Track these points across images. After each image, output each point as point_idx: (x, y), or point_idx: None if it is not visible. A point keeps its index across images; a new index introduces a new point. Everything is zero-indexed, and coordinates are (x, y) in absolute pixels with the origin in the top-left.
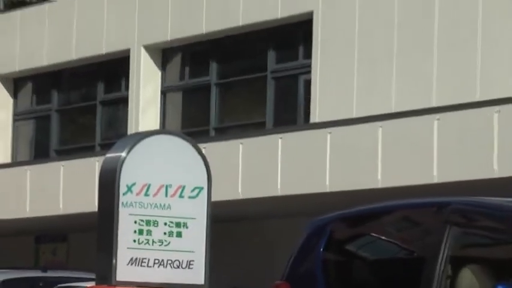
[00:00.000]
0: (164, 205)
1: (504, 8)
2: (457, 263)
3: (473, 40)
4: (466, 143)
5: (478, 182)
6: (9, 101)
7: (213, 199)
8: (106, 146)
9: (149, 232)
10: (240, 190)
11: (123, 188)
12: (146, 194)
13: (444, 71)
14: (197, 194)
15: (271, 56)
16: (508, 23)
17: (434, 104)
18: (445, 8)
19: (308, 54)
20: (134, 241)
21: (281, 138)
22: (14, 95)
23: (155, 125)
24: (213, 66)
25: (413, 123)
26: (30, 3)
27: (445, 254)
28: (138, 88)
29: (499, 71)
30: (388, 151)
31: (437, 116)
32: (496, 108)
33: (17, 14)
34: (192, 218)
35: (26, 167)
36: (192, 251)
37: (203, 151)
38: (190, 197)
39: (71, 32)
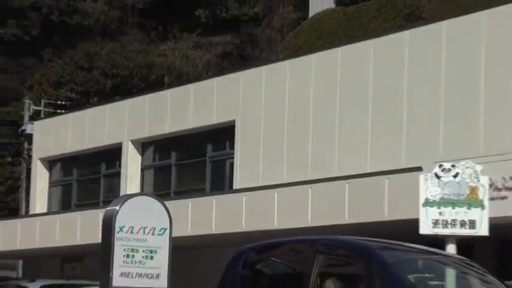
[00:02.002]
0: (142, 239)
1: None
2: (323, 277)
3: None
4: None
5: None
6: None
7: (173, 235)
8: (106, 203)
9: (133, 256)
10: (189, 229)
11: (117, 229)
12: (131, 232)
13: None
14: (163, 232)
15: (209, 147)
16: None
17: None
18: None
19: (232, 147)
20: (123, 262)
21: (215, 198)
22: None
23: (137, 189)
24: (173, 154)
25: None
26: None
27: (316, 271)
28: (126, 166)
29: None
30: (282, 206)
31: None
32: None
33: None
34: (160, 247)
35: (55, 217)
36: (159, 268)
37: (167, 206)
38: (158, 234)
39: (84, 129)
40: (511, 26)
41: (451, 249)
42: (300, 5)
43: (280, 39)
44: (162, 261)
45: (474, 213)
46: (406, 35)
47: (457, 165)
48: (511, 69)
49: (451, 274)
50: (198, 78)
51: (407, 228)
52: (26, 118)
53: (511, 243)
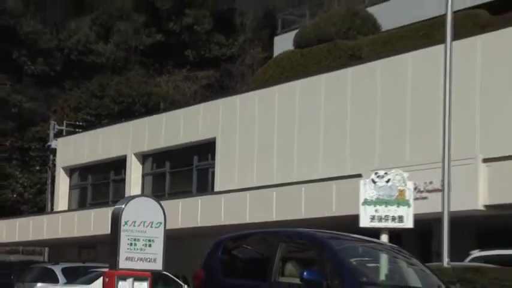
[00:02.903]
0: (143, 231)
1: None
2: (285, 260)
3: None
4: None
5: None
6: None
7: (166, 228)
8: (114, 202)
9: (135, 244)
10: (179, 223)
11: (122, 223)
12: (134, 226)
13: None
14: (159, 226)
15: (195, 159)
16: None
17: None
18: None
19: (213, 158)
20: (128, 249)
21: (200, 199)
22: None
23: (138, 192)
24: (167, 163)
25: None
26: None
27: (279, 256)
28: (130, 174)
29: None
30: (252, 204)
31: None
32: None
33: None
34: (156, 237)
35: (74, 213)
36: (156, 253)
37: (162, 205)
38: (155, 227)
39: (97, 144)
40: (434, 64)
41: (384, 238)
42: (267, 47)
43: (251, 74)
44: (158, 249)
45: (402, 211)
46: (349, 71)
47: (388, 172)
48: (431, 98)
49: (384, 258)
50: (186, 104)
51: (351, 222)
52: (51, 136)
53: (430, 233)
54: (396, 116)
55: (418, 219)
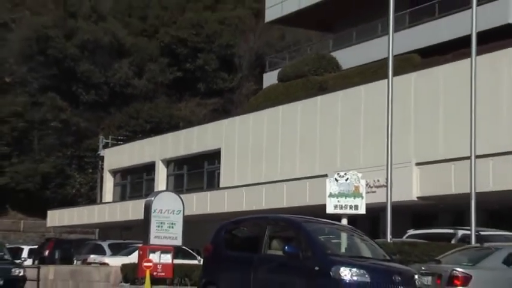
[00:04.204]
0: (167, 217)
1: None
2: (271, 238)
3: None
4: None
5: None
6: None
7: (184, 214)
8: (146, 196)
9: (161, 226)
10: (194, 211)
11: (152, 210)
12: (161, 213)
13: None
14: (179, 213)
15: (206, 163)
16: None
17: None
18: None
19: (219, 163)
20: (156, 230)
21: (209, 193)
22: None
23: (164, 188)
24: (185, 167)
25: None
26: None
27: (267, 235)
28: (158, 175)
29: None
30: (248, 197)
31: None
32: None
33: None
34: (177, 221)
35: (117, 204)
36: (177, 233)
37: (181, 197)
38: (176, 214)
39: (134, 153)
40: (381, 94)
41: (344, 221)
42: (258, 82)
43: (247, 101)
44: (178, 230)
45: (357, 201)
46: (318, 99)
47: (347, 173)
48: (378, 119)
49: (344, 236)
50: (199, 123)
51: (320, 210)
52: (100, 147)
53: (378, 218)
54: (353, 131)
55: (369, 208)
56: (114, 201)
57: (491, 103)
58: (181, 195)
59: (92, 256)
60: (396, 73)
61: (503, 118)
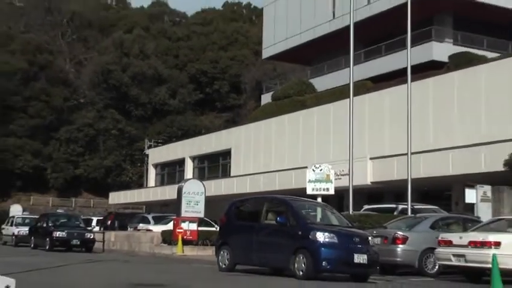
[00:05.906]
0: (193, 197)
1: None
2: (267, 212)
3: None
4: None
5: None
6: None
7: (206, 195)
8: (179, 182)
9: (189, 204)
10: (212, 192)
11: (183, 192)
12: (189, 194)
13: None
14: (201, 194)
15: (220, 159)
16: None
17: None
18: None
19: (230, 159)
20: (186, 206)
21: (223, 180)
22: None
23: (191, 176)
24: (205, 161)
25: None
26: None
27: (264, 209)
28: (186, 167)
29: None
30: (251, 183)
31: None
32: None
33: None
34: (200, 200)
35: (158, 188)
36: (200, 208)
37: (204, 183)
38: (199, 195)
39: (169, 152)
40: (345, 110)
41: (319, 200)
42: (258, 101)
43: (250, 114)
44: (201, 206)
45: (328, 185)
46: (301, 113)
47: (321, 165)
48: (343, 128)
49: (319, 210)
50: (216, 131)
51: (302, 192)
52: (146, 147)
53: (343, 197)
54: (324, 137)
55: (337, 190)
56: (156, 186)
57: (422, 115)
58: (203, 182)
59: (140, 225)
60: (355, 94)
61: (429, 126)
